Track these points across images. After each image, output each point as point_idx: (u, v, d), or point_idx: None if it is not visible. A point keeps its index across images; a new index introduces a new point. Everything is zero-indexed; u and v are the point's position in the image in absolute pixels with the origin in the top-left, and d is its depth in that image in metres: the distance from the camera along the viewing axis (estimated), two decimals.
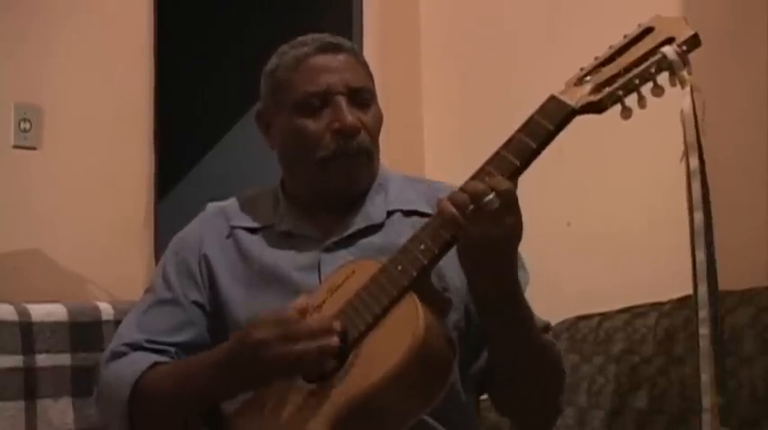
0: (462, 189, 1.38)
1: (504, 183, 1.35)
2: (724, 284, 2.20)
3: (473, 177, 1.39)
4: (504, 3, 3.17)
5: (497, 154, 1.39)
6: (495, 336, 1.51)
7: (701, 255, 1.29)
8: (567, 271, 2.70)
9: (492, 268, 1.40)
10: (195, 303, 1.68)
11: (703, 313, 1.29)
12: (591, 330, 2.46)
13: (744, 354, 2.11)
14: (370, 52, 3.24)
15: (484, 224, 1.35)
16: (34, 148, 2.78)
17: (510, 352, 1.51)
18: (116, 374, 1.62)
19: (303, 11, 3.52)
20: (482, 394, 1.69)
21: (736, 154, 2.37)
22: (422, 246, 1.41)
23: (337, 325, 1.41)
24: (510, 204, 1.36)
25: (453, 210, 1.36)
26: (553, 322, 1.72)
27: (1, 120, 2.75)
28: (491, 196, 1.34)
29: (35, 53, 2.79)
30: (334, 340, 1.39)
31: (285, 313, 1.44)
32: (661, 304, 2.36)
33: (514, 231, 1.38)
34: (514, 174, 1.37)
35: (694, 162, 1.31)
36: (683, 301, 2.24)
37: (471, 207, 1.35)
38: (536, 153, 1.37)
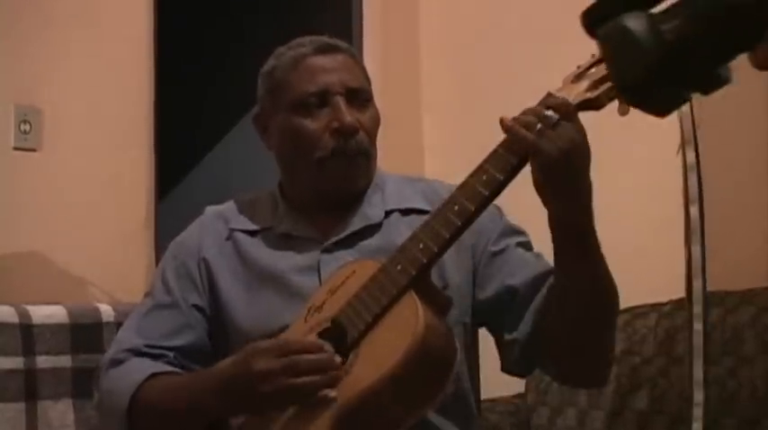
0: (523, 115, 1.38)
1: (554, 99, 1.37)
2: (725, 285, 2.21)
3: (472, 175, 1.39)
4: (504, 3, 3.17)
5: (495, 152, 1.39)
6: (573, 259, 1.45)
7: (696, 250, 1.29)
8: None
9: (568, 185, 1.38)
10: (195, 307, 1.67)
11: (698, 308, 1.29)
12: None
13: (744, 354, 2.11)
14: (369, 53, 3.24)
15: (552, 138, 1.35)
16: (34, 150, 2.79)
17: (584, 276, 1.46)
18: (115, 383, 1.62)
19: (303, 12, 3.52)
20: (525, 365, 1.62)
21: (736, 153, 2.37)
22: (421, 245, 1.40)
23: (339, 359, 1.40)
24: (569, 115, 1.36)
25: (524, 131, 1.36)
26: None
27: (1, 122, 2.75)
28: (549, 112, 1.36)
29: (35, 55, 2.79)
30: (338, 375, 1.38)
31: (287, 343, 1.43)
32: (661, 305, 2.36)
33: (580, 144, 1.37)
34: (513, 172, 1.37)
35: (691, 157, 1.32)
36: (683, 302, 2.24)
37: (539, 126, 1.35)
38: None
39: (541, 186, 1.39)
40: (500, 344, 1.61)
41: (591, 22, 1.06)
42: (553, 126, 1.35)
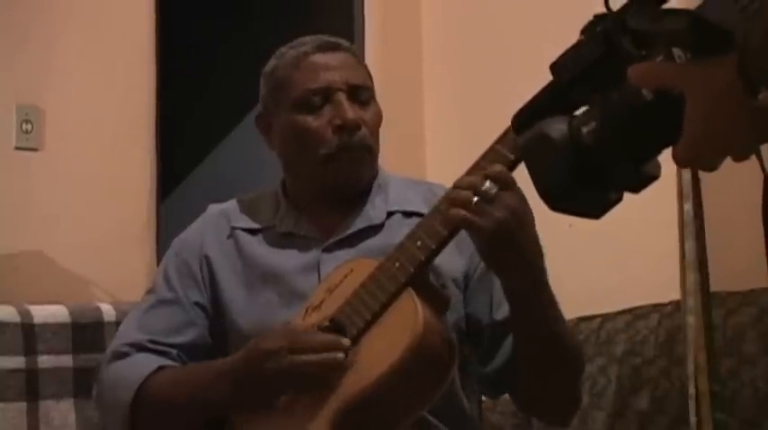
0: (457, 186, 1.38)
1: (495, 167, 1.35)
2: (727, 285, 2.20)
3: (468, 172, 1.40)
4: (505, 2, 3.17)
5: (491, 149, 1.40)
6: (528, 326, 1.49)
7: (690, 245, 1.29)
8: (569, 272, 2.68)
9: (514, 256, 1.39)
10: (196, 304, 1.67)
11: (691, 302, 1.29)
12: (592, 331, 2.46)
13: (746, 355, 2.11)
14: (371, 52, 3.24)
15: (492, 213, 1.35)
16: (36, 150, 2.79)
17: (541, 341, 1.49)
18: (119, 375, 1.62)
19: (304, 11, 3.52)
20: (496, 394, 1.68)
21: None
22: (419, 243, 1.41)
23: (346, 341, 1.41)
24: (508, 185, 1.36)
25: (461, 211, 1.36)
26: None
27: (3, 122, 2.75)
28: (487, 183, 1.35)
29: (37, 54, 2.79)
30: (340, 355, 1.39)
31: (295, 326, 1.46)
32: (663, 305, 2.36)
33: (521, 213, 1.37)
34: (510, 168, 1.37)
35: None
36: None
37: (475, 199, 1.35)
38: None
39: (486, 259, 1.43)
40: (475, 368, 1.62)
41: (519, 125, 1.04)
42: (491, 199, 1.35)
